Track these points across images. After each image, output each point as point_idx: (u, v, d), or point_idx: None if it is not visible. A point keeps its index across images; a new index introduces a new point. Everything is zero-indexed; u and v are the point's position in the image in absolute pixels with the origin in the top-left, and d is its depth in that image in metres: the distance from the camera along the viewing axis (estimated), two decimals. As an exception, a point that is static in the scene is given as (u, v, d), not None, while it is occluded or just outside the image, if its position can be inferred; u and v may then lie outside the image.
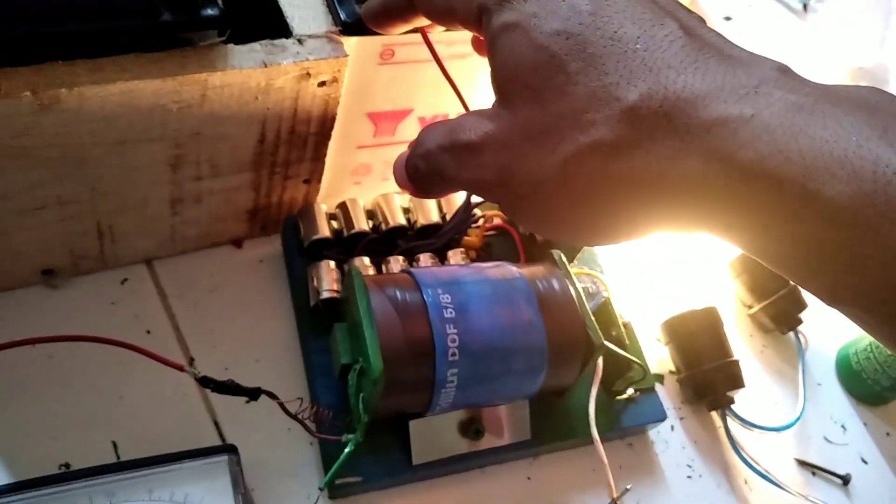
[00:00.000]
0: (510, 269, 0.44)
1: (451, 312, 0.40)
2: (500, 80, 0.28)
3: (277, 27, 0.40)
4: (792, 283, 0.58)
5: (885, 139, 0.22)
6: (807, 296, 0.58)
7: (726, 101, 0.23)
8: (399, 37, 0.41)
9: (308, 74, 0.39)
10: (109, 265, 0.46)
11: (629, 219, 0.26)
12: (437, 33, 0.38)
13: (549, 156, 0.26)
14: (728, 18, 0.83)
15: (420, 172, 0.30)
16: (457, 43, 0.44)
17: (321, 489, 0.40)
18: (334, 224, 0.48)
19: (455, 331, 0.39)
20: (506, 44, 0.27)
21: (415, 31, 0.36)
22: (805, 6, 0.87)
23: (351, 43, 0.40)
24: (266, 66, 0.38)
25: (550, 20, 0.26)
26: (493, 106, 0.29)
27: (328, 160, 0.47)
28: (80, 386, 0.43)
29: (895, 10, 0.78)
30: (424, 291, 0.40)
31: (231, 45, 0.38)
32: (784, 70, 0.25)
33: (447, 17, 0.31)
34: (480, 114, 0.29)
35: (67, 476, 0.39)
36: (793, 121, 0.23)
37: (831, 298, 0.24)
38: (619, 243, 0.28)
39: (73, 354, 0.43)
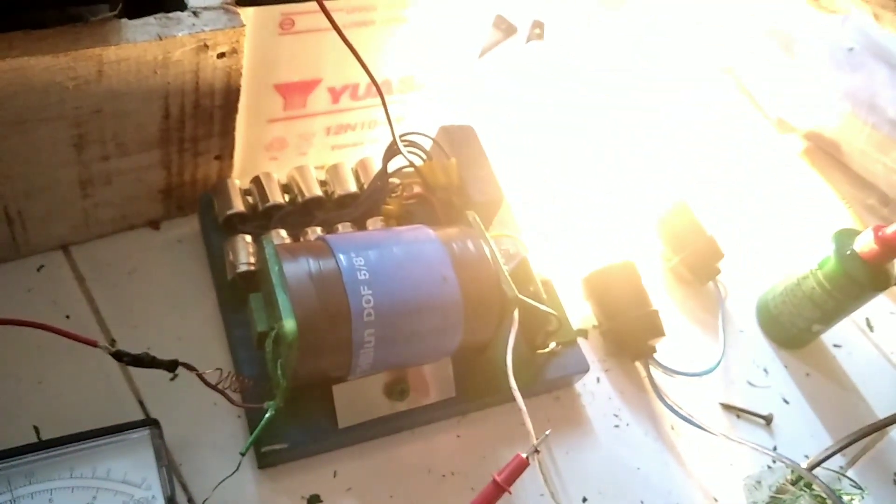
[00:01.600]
0: (425, 232, 0.45)
1: (364, 274, 0.40)
2: None
3: (172, 1, 0.40)
4: (709, 234, 0.59)
5: None
6: (723, 245, 0.60)
7: None
8: (298, 6, 0.42)
9: (206, 46, 0.40)
10: (24, 253, 0.46)
11: None
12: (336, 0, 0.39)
13: None
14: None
15: None
16: (357, 10, 0.45)
17: (242, 454, 0.41)
18: (249, 199, 0.49)
19: (370, 292, 0.40)
20: None
21: None
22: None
23: (248, 13, 0.40)
24: (161, 38, 0.38)
25: None
26: None
27: (239, 135, 0.47)
28: (1, 371, 0.43)
29: None
30: (337, 256, 0.41)
31: (125, 20, 0.38)
32: None
33: None
34: None
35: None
36: None
37: None
38: None
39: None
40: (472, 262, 0.43)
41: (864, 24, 0.70)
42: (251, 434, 0.43)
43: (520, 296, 0.44)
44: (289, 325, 0.38)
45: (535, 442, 0.41)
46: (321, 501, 0.44)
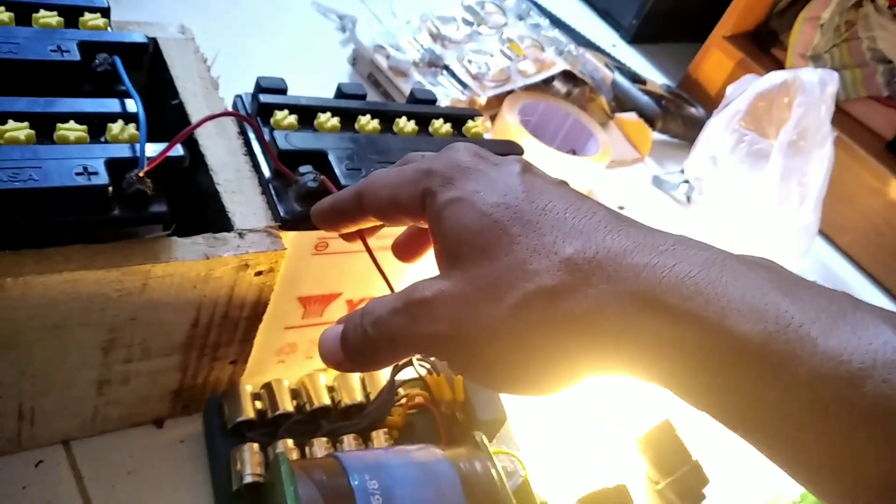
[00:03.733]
0: (434, 452, 0.45)
1: (378, 500, 0.41)
2: (449, 245, 0.31)
3: (220, 221, 0.42)
4: (694, 458, 0.61)
5: (781, 292, 0.27)
6: (708, 471, 0.61)
7: (650, 253, 0.28)
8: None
9: (247, 265, 0.42)
10: (24, 446, 0.45)
11: (572, 361, 0.29)
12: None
13: (498, 304, 0.29)
14: (621, 208, 0.90)
15: (369, 338, 0.32)
16: (385, 237, 0.48)
17: None
18: (258, 404, 0.49)
19: (384, 516, 0.40)
20: (452, 214, 0.31)
21: (357, 233, 0.39)
22: (688, 199, 0.96)
23: (289, 237, 0.43)
24: (208, 258, 0.40)
25: (491, 194, 0.31)
26: (441, 271, 0.32)
27: (256, 341, 0.48)
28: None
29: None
30: (351, 477, 0.41)
31: (175, 238, 0.40)
32: (689, 237, 0.29)
33: (392, 211, 0.35)
34: (429, 279, 0.31)
35: None
36: (709, 271, 0.27)
37: (740, 425, 0.27)
38: (562, 390, 0.30)
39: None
40: (482, 490, 0.44)
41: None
42: None
43: (526, 525, 0.44)
44: (302, 550, 0.38)
45: None
46: None
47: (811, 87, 0.86)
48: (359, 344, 0.32)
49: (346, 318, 0.33)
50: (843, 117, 1.05)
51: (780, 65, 1.13)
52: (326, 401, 0.50)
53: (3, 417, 0.42)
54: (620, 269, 0.28)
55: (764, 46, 1.18)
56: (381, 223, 0.38)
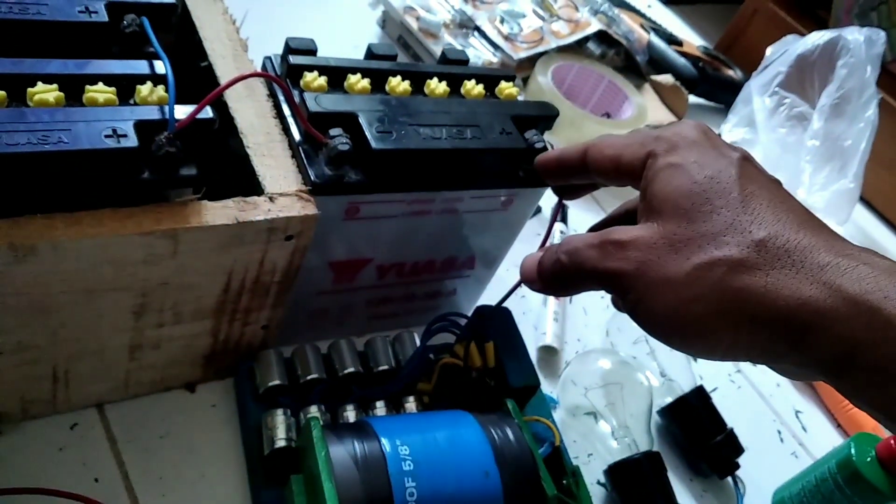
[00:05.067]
0: (467, 419, 0.45)
1: (409, 465, 0.40)
2: (655, 202, 0.34)
3: (250, 185, 0.42)
4: (729, 427, 0.60)
5: None
6: (743, 440, 0.60)
7: (837, 254, 0.31)
8: (364, 196, 0.44)
9: (277, 230, 0.41)
10: (60, 409, 0.46)
11: (735, 331, 0.31)
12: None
13: (684, 260, 0.32)
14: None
15: (561, 265, 0.36)
16: (418, 202, 0.47)
17: None
18: (289, 370, 0.49)
19: (413, 484, 0.40)
20: (667, 175, 0.35)
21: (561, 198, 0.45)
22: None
23: (320, 201, 0.42)
24: (238, 221, 0.39)
25: (706, 168, 0.34)
26: (640, 223, 0.35)
27: (287, 306, 0.48)
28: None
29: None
30: (383, 442, 0.41)
31: (206, 202, 0.39)
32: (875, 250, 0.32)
33: (613, 169, 0.38)
34: (627, 226, 0.35)
35: None
36: (891, 276, 0.30)
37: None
38: (716, 357, 0.33)
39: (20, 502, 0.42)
40: (513, 457, 0.44)
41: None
42: None
43: (558, 493, 0.44)
44: (334, 515, 0.38)
45: None
46: None
47: (856, 47, 0.83)
48: (552, 270, 0.37)
49: (546, 247, 0.38)
50: (888, 79, 1.01)
51: (823, 24, 1.10)
52: (358, 367, 0.50)
53: (37, 380, 0.42)
54: (806, 260, 0.31)
55: (806, 6, 1.14)
56: (593, 182, 0.41)
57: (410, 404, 0.50)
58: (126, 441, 0.46)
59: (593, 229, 0.43)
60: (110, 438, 0.46)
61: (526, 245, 0.52)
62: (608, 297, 0.44)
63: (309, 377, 0.48)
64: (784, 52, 0.89)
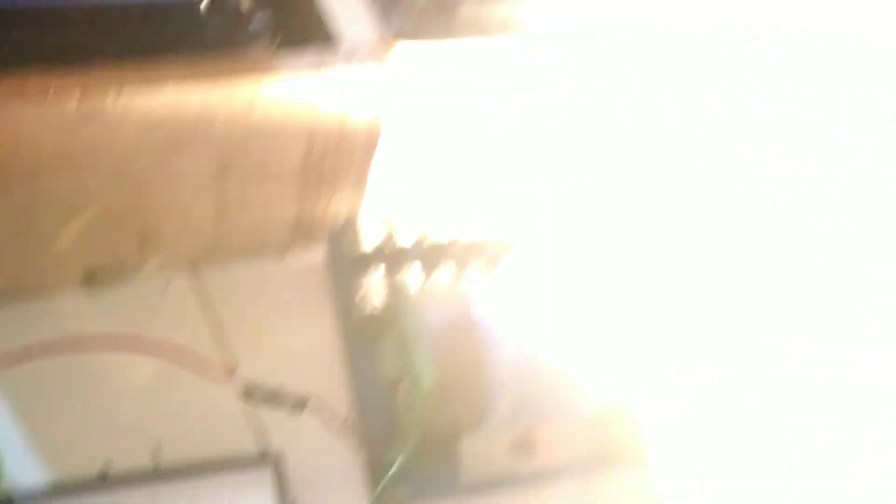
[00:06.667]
0: (570, 276, 0.42)
1: (505, 328, 0.39)
2: None
3: (327, 37, 0.39)
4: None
5: None
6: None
7: None
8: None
9: (357, 83, 0.38)
10: (151, 270, 0.46)
11: None
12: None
13: None
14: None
15: None
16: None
17: (370, 508, 0.39)
18: (380, 236, 0.48)
19: (510, 345, 0.38)
20: None
21: None
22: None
23: (399, 53, 0.39)
24: (315, 73, 0.37)
25: None
26: None
27: (374, 168, 0.46)
28: (121, 392, 0.43)
29: None
30: (477, 305, 0.39)
31: (281, 53, 0.37)
32: None
33: None
34: None
35: (104, 483, 0.38)
36: None
37: None
38: None
39: (113, 360, 0.43)
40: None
41: None
42: (371, 476, 0.42)
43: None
44: (426, 376, 0.36)
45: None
46: (437, 557, 0.42)
47: None
48: None
49: None
50: None
51: None
52: (450, 235, 0.48)
53: (126, 242, 0.42)
54: None
55: None
56: None
57: (510, 270, 0.48)
58: (217, 304, 0.46)
59: None
60: (202, 300, 0.46)
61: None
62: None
63: (400, 244, 0.47)
64: None
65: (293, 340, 0.46)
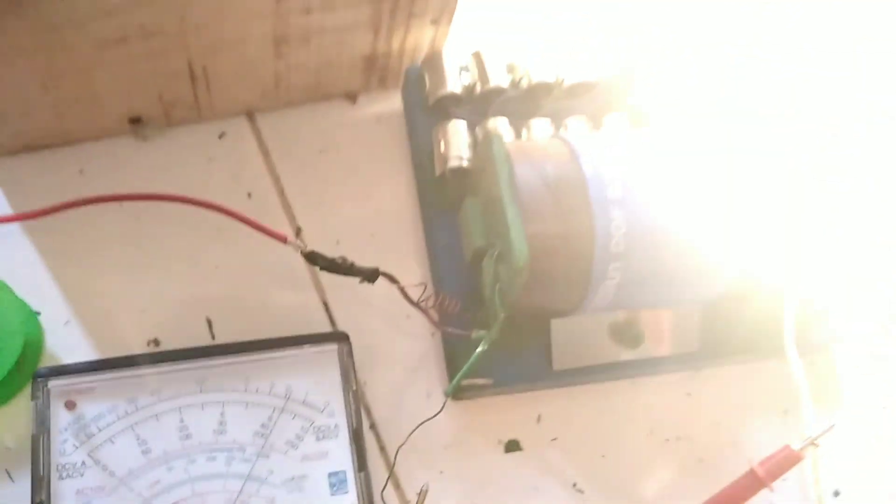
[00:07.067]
0: (698, 139, 0.34)
1: (617, 191, 0.31)
2: None
3: None
4: None
5: None
6: None
7: None
8: None
9: None
10: (205, 116, 0.40)
11: None
12: None
13: None
14: None
15: None
16: None
17: (448, 395, 0.34)
18: (466, 77, 0.40)
19: (621, 214, 0.31)
20: None
21: None
22: None
23: None
24: None
25: None
26: None
27: (462, -3, 0.38)
28: (172, 253, 0.38)
29: None
30: (583, 162, 0.32)
31: None
32: None
33: None
34: None
35: (155, 357, 0.34)
36: None
37: None
38: None
39: (164, 216, 0.38)
40: (756, 188, 0.33)
41: None
42: (447, 359, 0.37)
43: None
44: (518, 246, 0.30)
45: (810, 434, 0.32)
46: (521, 449, 0.37)
47: None
48: None
49: None
50: None
51: None
52: (549, 76, 0.40)
53: (174, 78, 0.36)
54: None
55: None
56: None
57: (617, 123, 0.40)
58: (281, 154, 0.40)
59: None
60: (263, 150, 0.40)
61: None
62: None
63: (490, 86, 0.39)
64: None
65: (363, 203, 0.40)
